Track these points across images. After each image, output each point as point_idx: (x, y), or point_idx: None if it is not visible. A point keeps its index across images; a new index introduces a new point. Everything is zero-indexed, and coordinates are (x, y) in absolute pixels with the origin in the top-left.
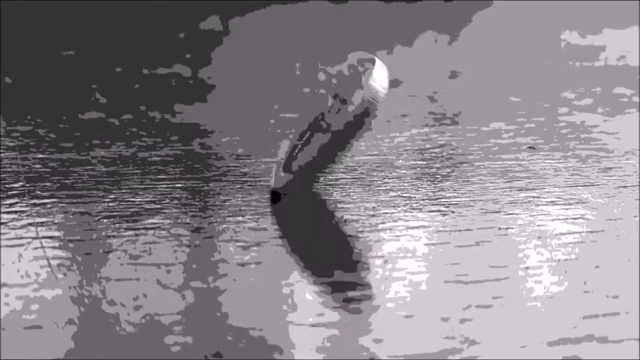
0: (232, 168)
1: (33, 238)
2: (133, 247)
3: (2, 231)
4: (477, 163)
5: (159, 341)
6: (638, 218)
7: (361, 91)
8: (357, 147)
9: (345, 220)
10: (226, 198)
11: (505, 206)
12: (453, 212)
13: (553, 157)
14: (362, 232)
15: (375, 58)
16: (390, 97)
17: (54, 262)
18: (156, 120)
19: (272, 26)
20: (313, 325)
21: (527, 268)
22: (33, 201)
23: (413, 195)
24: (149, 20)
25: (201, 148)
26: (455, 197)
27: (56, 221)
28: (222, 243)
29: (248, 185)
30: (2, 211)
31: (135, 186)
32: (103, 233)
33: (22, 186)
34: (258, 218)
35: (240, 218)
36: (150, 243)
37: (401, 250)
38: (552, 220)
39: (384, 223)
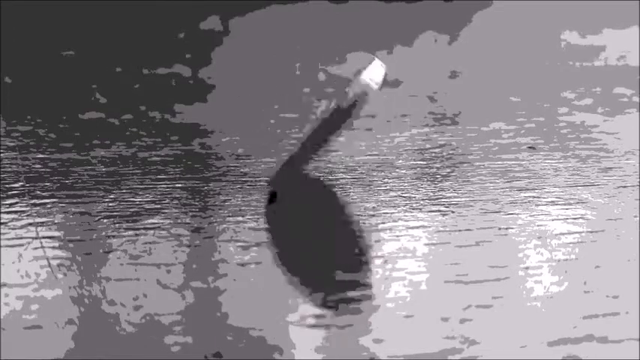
0: (232, 168)
1: (33, 238)
2: (133, 247)
3: (2, 231)
4: (477, 163)
5: (159, 341)
6: (638, 218)
7: (353, 84)
8: (357, 147)
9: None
10: (226, 198)
11: (505, 206)
12: (453, 212)
13: (553, 157)
14: (362, 232)
15: (375, 58)
16: (390, 97)
17: (54, 262)
18: (156, 120)
19: (272, 26)
20: (313, 326)
21: (527, 268)
22: (33, 201)
23: (413, 195)
24: (149, 20)
25: (201, 148)
26: (455, 197)
27: (56, 221)
28: (222, 243)
29: (248, 185)
30: (2, 211)
31: (135, 186)
32: (103, 233)
33: (22, 186)
34: (258, 218)
35: (240, 218)
36: (150, 243)
37: (401, 250)
38: (552, 220)
39: (384, 223)
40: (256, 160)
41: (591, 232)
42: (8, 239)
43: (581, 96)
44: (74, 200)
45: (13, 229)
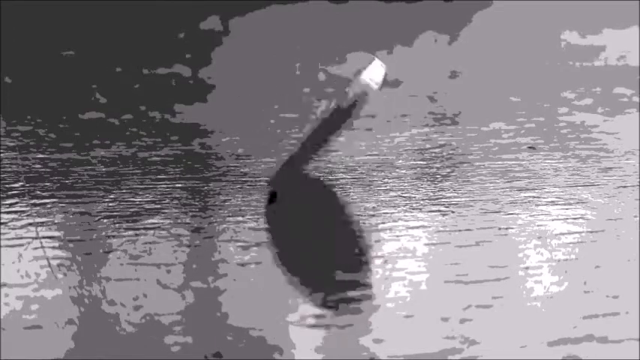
0: (232, 168)
1: (33, 238)
2: (133, 247)
3: (2, 231)
4: (477, 163)
5: (159, 341)
6: (638, 218)
7: (353, 84)
8: (357, 147)
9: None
10: (226, 198)
11: (505, 206)
12: (453, 212)
13: (553, 157)
14: (362, 232)
15: (375, 58)
16: (390, 97)
17: (54, 262)
18: (156, 120)
19: (272, 26)
20: (313, 326)
21: (527, 268)
22: (33, 201)
23: (413, 195)
24: (149, 20)
25: (201, 148)
26: (455, 197)
27: (56, 221)
28: (222, 243)
29: (248, 185)
30: (2, 211)
31: (135, 186)
32: (103, 233)
33: (22, 186)
34: (258, 218)
35: (240, 218)
36: (150, 243)
37: (401, 250)
38: (552, 220)
39: (384, 223)
40: (256, 160)
41: (591, 232)
42: (8, 239)
43: (581, 96)
44: (74, 200)
45: (13, 229)
